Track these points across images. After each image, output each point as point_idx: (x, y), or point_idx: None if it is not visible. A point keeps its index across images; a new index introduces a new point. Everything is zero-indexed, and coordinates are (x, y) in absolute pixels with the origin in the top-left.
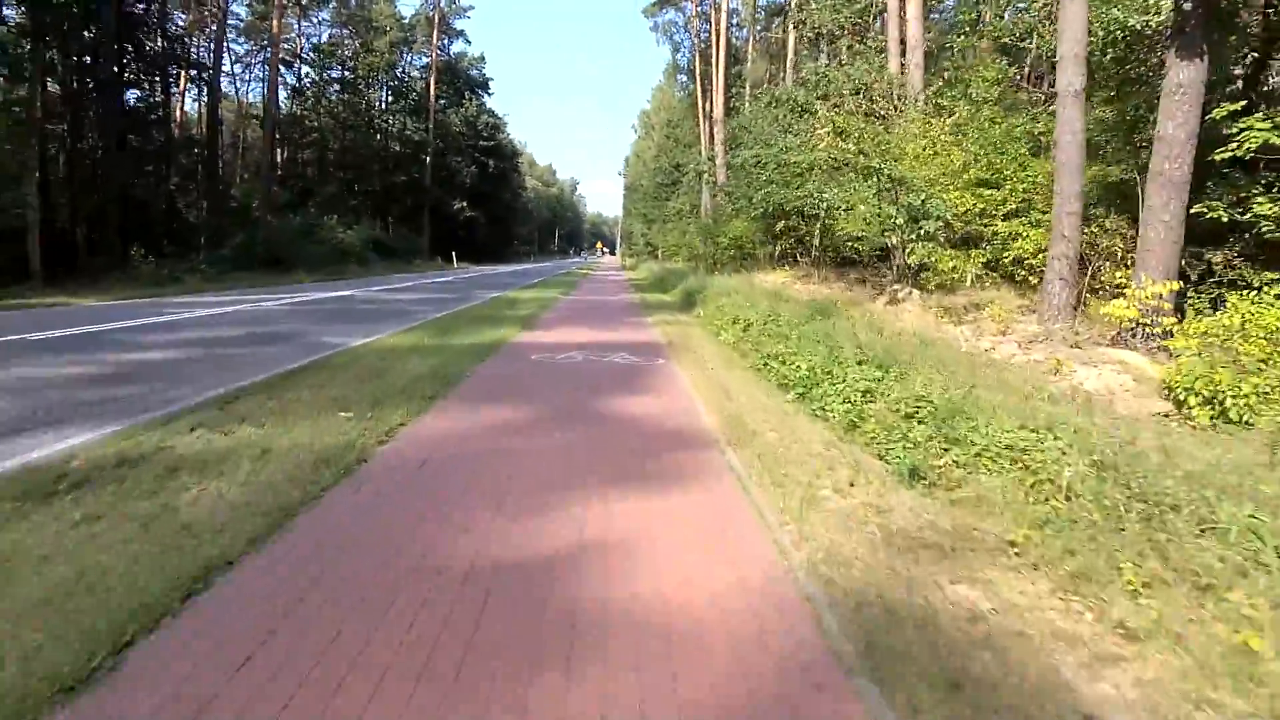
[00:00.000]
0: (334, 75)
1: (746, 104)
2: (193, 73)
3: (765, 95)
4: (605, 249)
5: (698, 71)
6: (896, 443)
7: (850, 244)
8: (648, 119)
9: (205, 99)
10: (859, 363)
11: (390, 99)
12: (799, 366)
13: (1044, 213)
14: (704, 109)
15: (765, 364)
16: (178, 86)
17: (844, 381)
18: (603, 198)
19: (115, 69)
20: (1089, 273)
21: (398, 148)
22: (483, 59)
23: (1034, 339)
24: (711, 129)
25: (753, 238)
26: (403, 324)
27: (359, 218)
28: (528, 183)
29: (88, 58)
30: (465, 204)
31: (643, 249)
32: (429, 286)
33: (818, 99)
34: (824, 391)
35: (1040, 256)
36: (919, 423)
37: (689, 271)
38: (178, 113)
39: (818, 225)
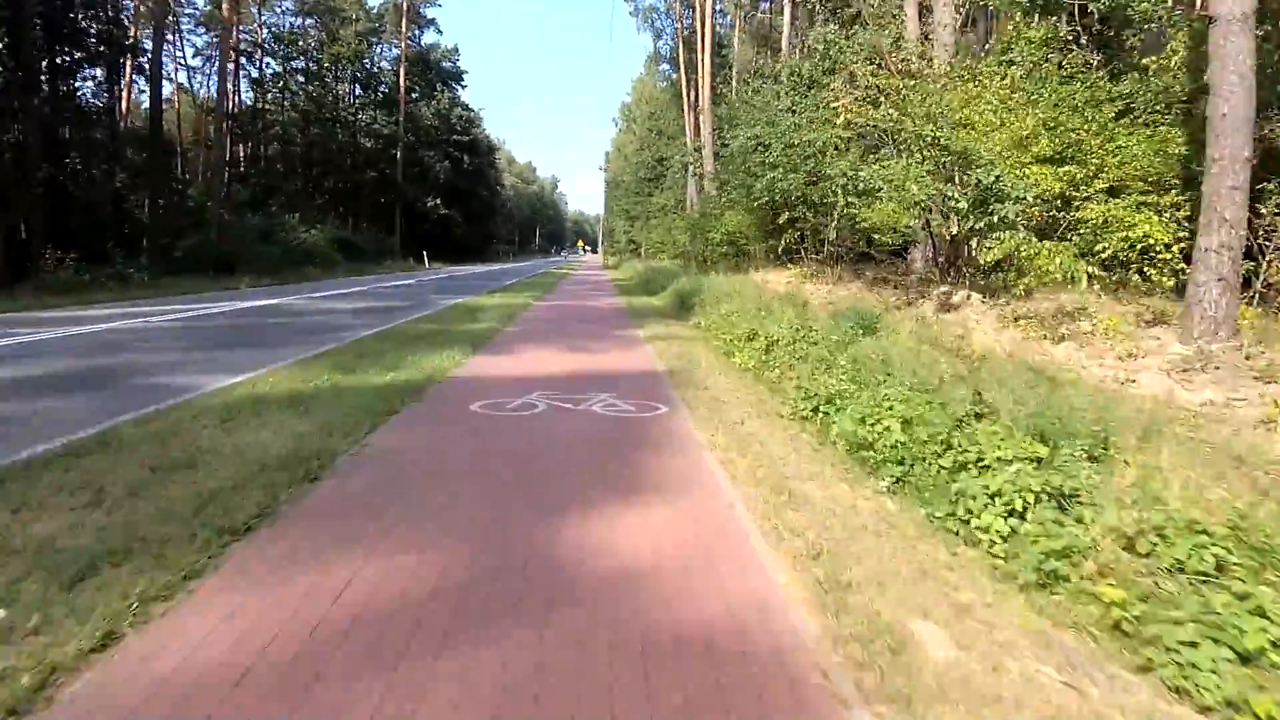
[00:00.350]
0: (297, 66)
1: (734, 91)
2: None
3: (765, 71)
4: (587, 247)
5: (681, 59)
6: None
7: (878, 237)
8: (629, 112)
9: (149, 87)
10: (992, 428)
11: (358, 91)
12: (887, 428)
13: (1147, 193)
14: (688, 98)
15: (817, 412)
16: (122, 77)
17: (990, 471)
18: (585, 196)
19: (35, 52)
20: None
21: (367, 142)
22: (456, 51)
23: (1186, 365)
24: (697, 119)
25: (748, 232)
26: (312, 348)
27: (325, 217)
28: (506, 180)
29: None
30: (439, 201)
31: (625, 247)
32: (383, 292)
33: (825, 73)
34: (961, 488)
35: (1173, 249)
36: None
37: (678, 271)
38: (124, 105)
39: (834, 215)
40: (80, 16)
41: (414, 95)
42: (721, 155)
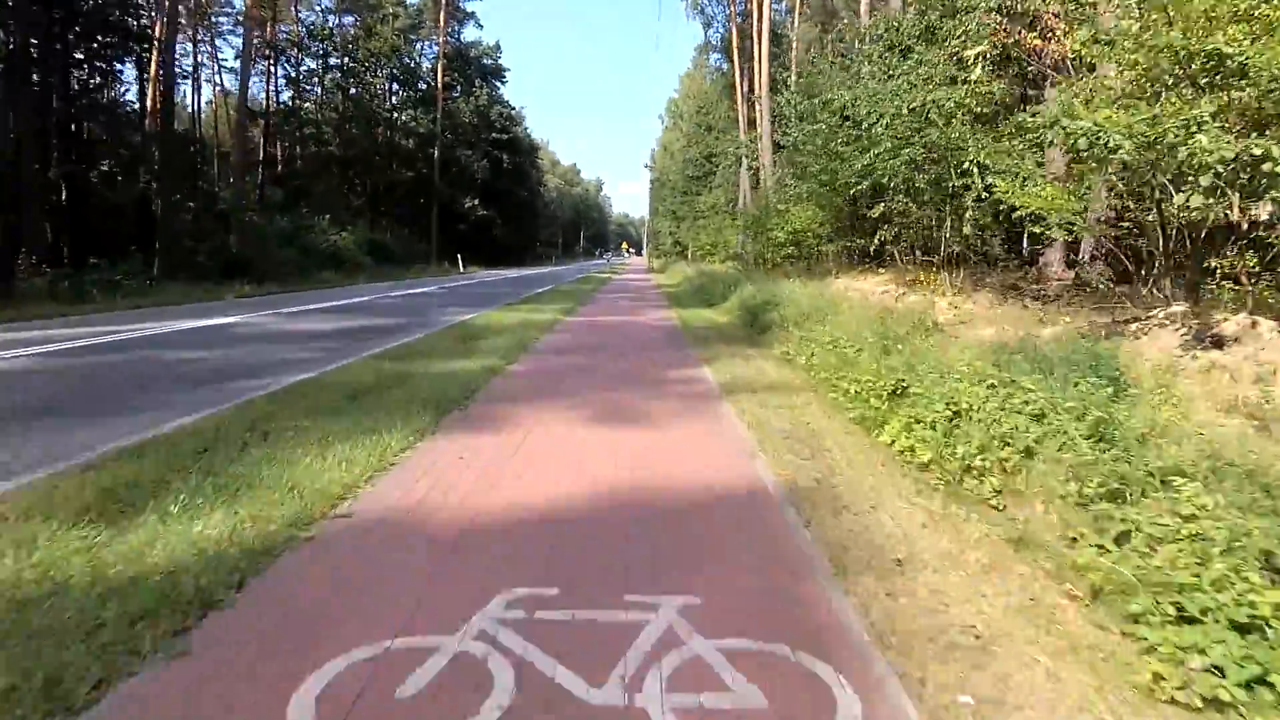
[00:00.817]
0: (334, 64)
1: (793, 77)
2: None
3: (845, 37)
4: (631, 250)
5: (734, 46)
6: None
7: (1037, 229)
8: (675, 108)
9: (163, 78)
10: None
11: (395, 88)
12: None
13: None
14: (742, 89)
15: None
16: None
17: None
18: (629, 199)
19: (35, 40)
20: None
21: (405, 141)
22: (498, 48)
23: None
24: (751, 110)
25: (819, 230)
26: (101, 441)
27: (359, 218)
28: (550, 182)
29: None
30: (476, 202)
31: (671, 249)
32: (386, 305)
33: (943, 17)
34: None
35: None
36: None
37: (735, 276)
38: (149, 103)
39: (968, 203)
40: (92, 4)
41: (453, 92)
42: (783, 145)
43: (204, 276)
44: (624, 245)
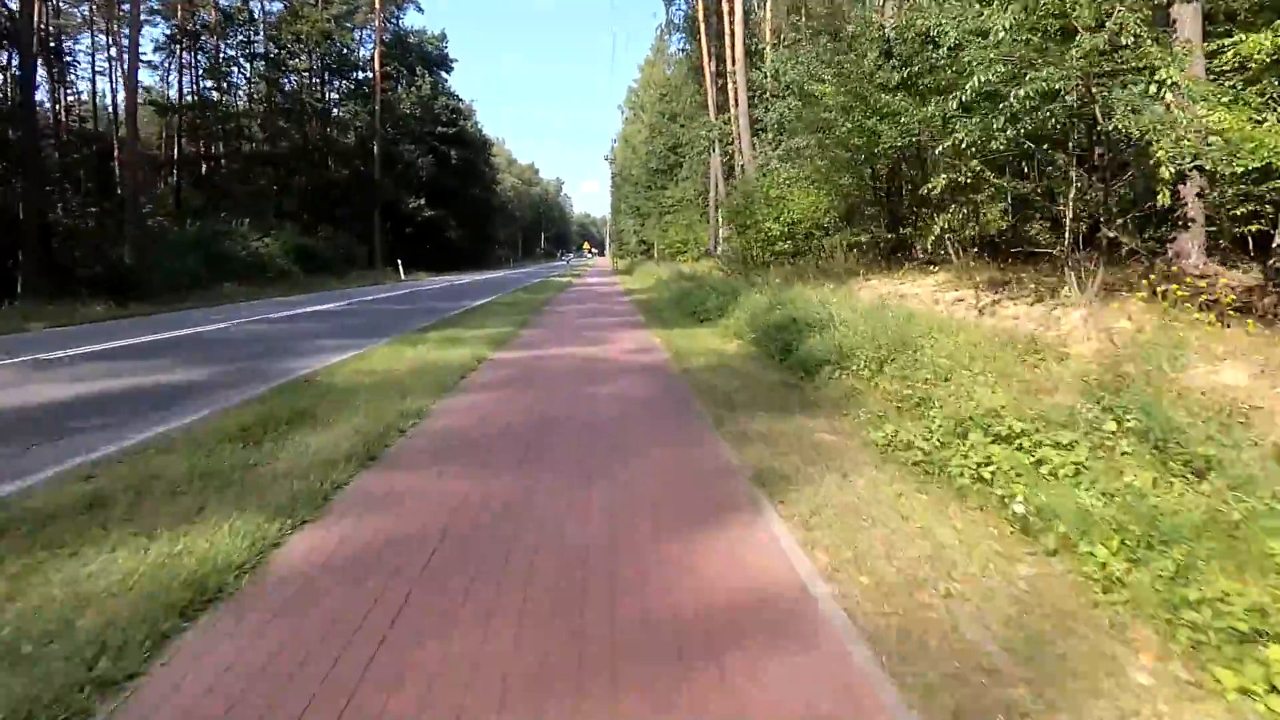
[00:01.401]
0: (258, 51)
1: (768, 50)
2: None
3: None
4: (593, 250)
5: (701, 20)
6: None
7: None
8: (636, 98)
9: (22, 69)
10: None
11: (330, 79)
12: None
13: None
14: (710, 70)
15: None
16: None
17: None
18: (591, 198)
19: None
20: None
21: (343, 136)
22: (444, 38)
23: None
24: (723, 91)
25: (822, 220)
26: None
27: (293, 222)
28: (506, 181)
29: None
30: (423, 201)
31: (635, 248)
32: (236, 340)
33: None
34: None
35: None
36: None
37: (729, 281)
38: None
39: (1153, 154)
40: None
41: (395, 83)
42: (762, 125)
43: (94, 293)
44: (585, 245)
